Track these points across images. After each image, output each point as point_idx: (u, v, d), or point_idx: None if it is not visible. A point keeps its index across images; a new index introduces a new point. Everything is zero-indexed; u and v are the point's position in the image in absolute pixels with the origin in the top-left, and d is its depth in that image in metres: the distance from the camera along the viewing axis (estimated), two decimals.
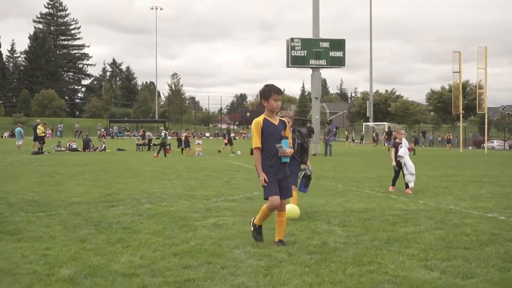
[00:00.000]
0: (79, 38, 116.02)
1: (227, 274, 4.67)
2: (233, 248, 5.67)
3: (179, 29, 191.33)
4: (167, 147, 27.66)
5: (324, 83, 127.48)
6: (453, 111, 38.33)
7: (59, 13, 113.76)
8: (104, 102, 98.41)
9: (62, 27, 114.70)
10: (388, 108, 74.50)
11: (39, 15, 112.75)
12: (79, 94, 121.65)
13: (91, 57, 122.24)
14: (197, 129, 78.53)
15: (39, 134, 28.88)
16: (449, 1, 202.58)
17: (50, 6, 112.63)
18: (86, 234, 6.39)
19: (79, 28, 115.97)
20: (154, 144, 33.55)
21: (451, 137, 48.96)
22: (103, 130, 67.70)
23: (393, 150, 11.47)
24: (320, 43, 30.50)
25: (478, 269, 4.84)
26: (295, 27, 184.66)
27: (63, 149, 33.11)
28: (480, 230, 6.73)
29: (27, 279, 4.48)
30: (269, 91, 5.76)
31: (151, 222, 7.19)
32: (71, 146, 33.23)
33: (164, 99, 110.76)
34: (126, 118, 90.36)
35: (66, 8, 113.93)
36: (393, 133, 14.01)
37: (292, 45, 30.04)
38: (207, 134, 78.35)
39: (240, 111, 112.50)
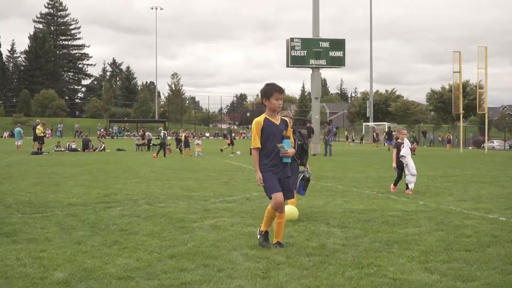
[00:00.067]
0: (79, 38, 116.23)
1: (224, 277, 4.60)
2: (230, 250, 5.59)
3: (179, 29, 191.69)
4: (168, 146, 27.59)
5: (324, 83, 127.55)
6: (453, 111, 38.24)
7: (59, 13, 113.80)
8: (104, 102, 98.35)
9: (62, 27, 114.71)
10: (388, 108, 74.40)
11: (39, 15, 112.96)
12: (79, 94, 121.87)
13: (91, 57, 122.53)
14: (197, 129, 78.51)
15: (38, 134, 28.82)
16: (449, 1, 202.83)
17: (50, 6, 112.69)
18: (82, 236, 6.32)
19: (79, 28, 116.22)
20: (154, 144, 33.49)
21: (451, 137, 48.89)
22: (102, 130, 67.65)
23: (395, 150, 11.29)
24: (320, 43, 30.43)
25: (479, 272, 4.76)
26: (295, 27, 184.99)
27: (63, 149, 33.04)
28: (481, 231, 6.65)
29: (20, 282, 4.41)
30: (271, 90, 5.64)
31: (148, 224, 7.11)
32: (71, 146, 33.16)
33: (164, 99, 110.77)
34: (126, 118, 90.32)
35: (66, 8, 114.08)
36: (395, 133, 13.87)
37: (292, 45, 29.97)
38: (207, 134, 78.27)
39: (240, 111, 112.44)
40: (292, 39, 30.13)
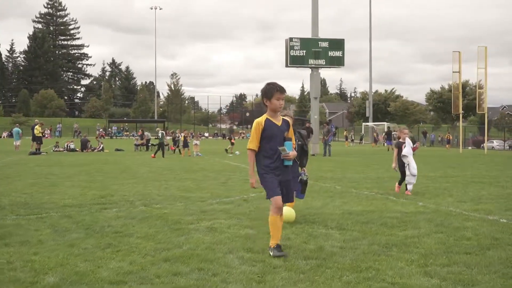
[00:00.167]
0: (78, 38, 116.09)
1: (219, 281, 4.49)
2: (226, 253, 5.49)
3: (178, 29, 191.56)
4: (167, 146, 27.48)
5: (323, 83, 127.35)
6: (453, 111, 38.14)
7: (58, 13, 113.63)
8: (104, 102, 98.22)
9: (62, 27, 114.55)
10: (387, 108, 74.34)
11: (38, 15, 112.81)
12: (79, 94, 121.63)
13: (91, 57, 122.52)
14: (196, 129, 78.40)
15: (36, 135, 28.72)
16: (449, 1, 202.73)
17: (49, 6, 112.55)
18: (75, 238, 6.21)
19: (78, 28, 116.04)
20: (153, 144, 33.37)
21: (450, 137, 48.78)
22: (101, 130, 67.52)
23: (395, 150, 11.14)
24: (319, 42, 30.31)
25: (479, 276, 4.66)
26: (295, 27, 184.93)
27: (61, 149, 32.92)
28: (482, 233, 6.54)
29: (11, 287, 4.30)
30: (272, 90, 5.45)
31: (144, 226, 7.01)
32: (69, 146, 33.05)
33: (164, 99, 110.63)
34: (125, 118, 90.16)
35: (65, 8, 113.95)
36: (396, 132, 13.75)
37: (291, 44, 29.86)
38: (206, 134, 78.16)
39: (239, 111, 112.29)
40: (291, 39, 30.01)
